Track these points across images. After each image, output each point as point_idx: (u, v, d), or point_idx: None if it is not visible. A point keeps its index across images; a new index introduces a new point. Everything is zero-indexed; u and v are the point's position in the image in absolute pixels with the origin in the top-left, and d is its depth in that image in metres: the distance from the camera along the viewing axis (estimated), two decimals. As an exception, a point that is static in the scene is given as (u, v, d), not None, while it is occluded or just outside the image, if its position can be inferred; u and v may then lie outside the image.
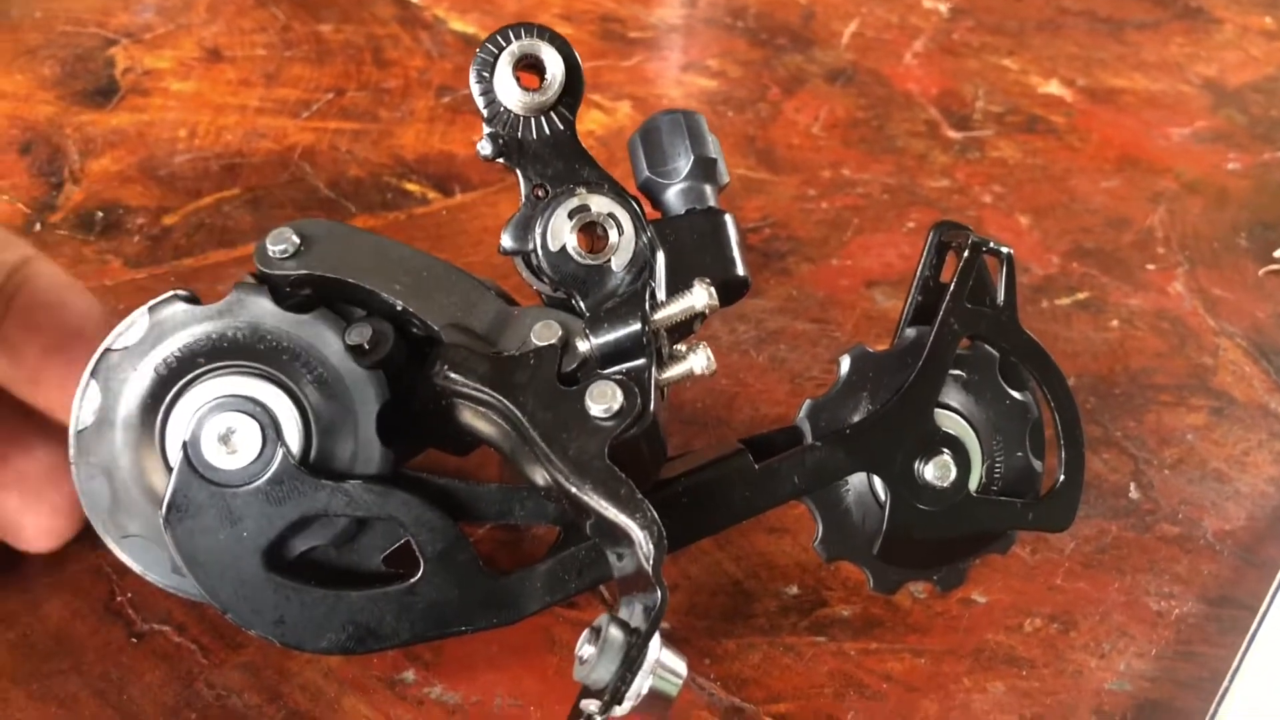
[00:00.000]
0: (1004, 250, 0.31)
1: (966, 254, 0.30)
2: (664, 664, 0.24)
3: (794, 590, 0.32)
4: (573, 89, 0.29)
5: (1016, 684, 0.30)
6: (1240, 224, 0.48)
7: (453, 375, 0.27)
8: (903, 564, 0.31)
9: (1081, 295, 0.44)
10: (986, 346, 0.31)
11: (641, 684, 0.23)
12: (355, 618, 0.27)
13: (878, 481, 0.30)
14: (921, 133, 0.52)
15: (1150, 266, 0.45)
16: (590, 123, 0.51)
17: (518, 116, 0.29)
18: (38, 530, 0.28)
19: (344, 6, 0.57)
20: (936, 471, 0.29)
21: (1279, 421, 0.39)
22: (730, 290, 0.30)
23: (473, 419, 0.28)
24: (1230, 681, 0.30)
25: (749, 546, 0.33)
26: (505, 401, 0.27)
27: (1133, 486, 0.36)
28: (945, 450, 0.29)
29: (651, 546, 0.24)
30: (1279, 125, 0.55)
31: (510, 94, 0.28)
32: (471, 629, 0.28)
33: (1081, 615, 0.32)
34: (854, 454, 0.29)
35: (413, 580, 0.27)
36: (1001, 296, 0.31)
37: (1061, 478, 0.30)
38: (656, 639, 0.23)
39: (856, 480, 0.30)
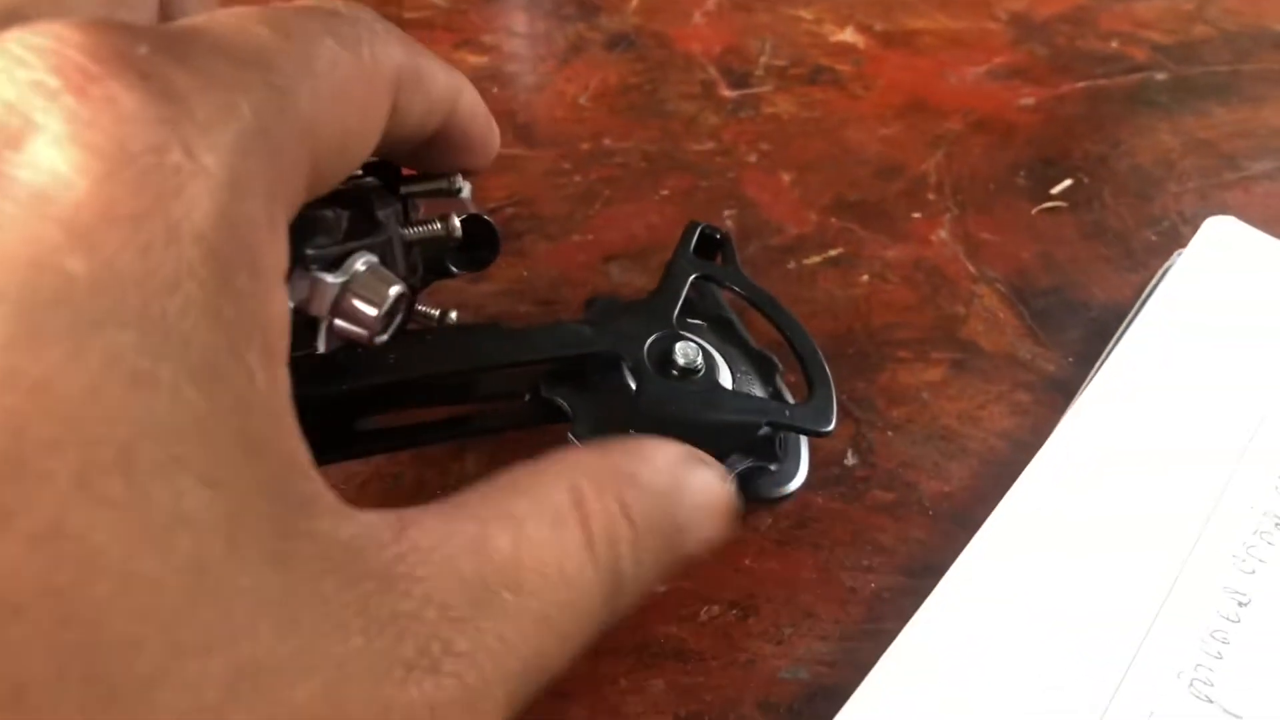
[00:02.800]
0: (720, 233, 0.35)
1: (686, 228, 0.35)
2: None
3: (456, 596, 0.30)
4: None
5: (679, 680, 0.28)
6: (1021, 162, 0.46)
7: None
8: None
9: (834, 252, 0.41)
10: (725, 312, 0.34)
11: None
12: None
13: (633, 383, 0.30)
14: (695, 94, 0.49)
15: (916, 215, 0.43)
16: (344, 112, 0.48)
17: None
18: None
19: None
20: (684, 352, 0.30)
21: (1025, 369, 0.37)
22: (477, 238, 0.30)
23: None
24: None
25: (416, 552, 0.31)
26: None
27: (849, 453, 0.34)
28: (692, 339, 0.31)
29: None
30: (1083, 56, 0.52)
31: None
32: None
33: (765, 599, 0.30)
34: (601, 334, 0.30)
35: None
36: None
37: (811, 388, 0.31)
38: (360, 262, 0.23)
39: (617, 392, 0.30)
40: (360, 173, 0.29)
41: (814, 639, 0.29)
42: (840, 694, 0.28)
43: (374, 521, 0.17)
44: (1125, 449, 0.31)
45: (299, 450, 0.17)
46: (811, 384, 0.32)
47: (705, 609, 0.30)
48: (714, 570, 0.30)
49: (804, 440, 0.32)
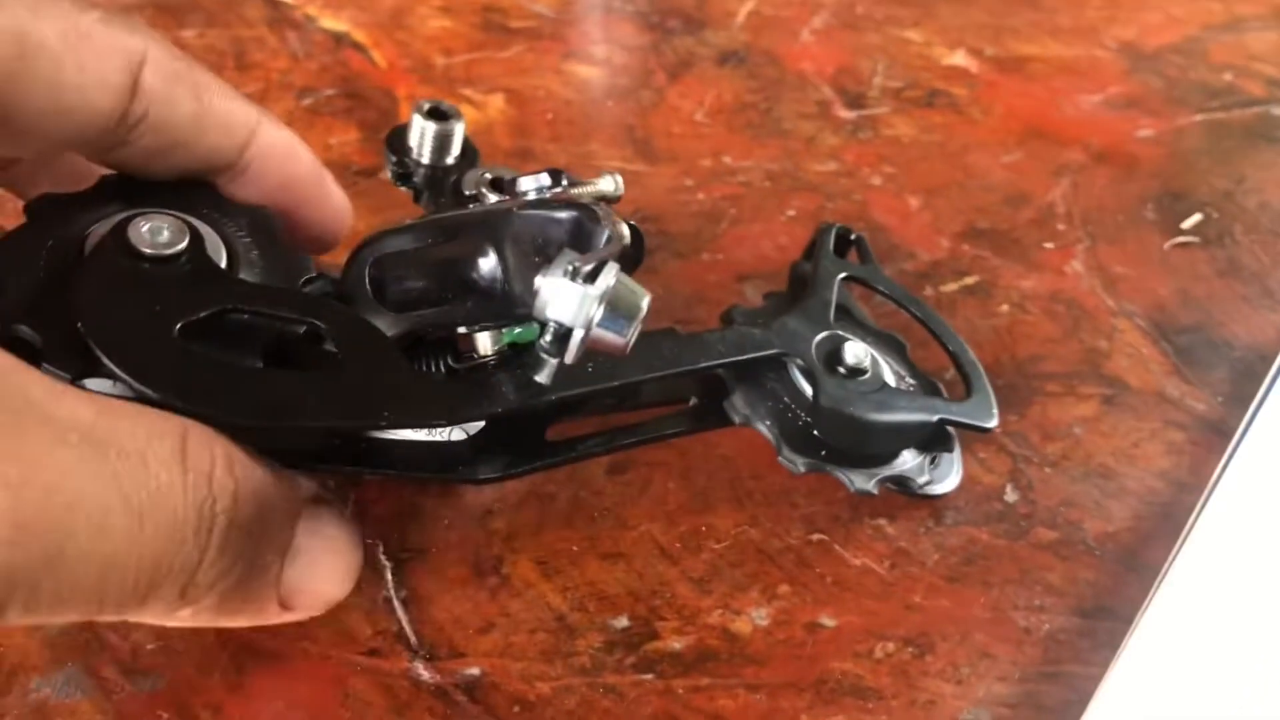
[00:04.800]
0: (855, 234, 0.36)
1: (820, 230, 0.35)
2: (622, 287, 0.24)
3: (624, 622, 0.29)
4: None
5: (859, 717, 0.27)
6: (1148, 195, 0.45)
7: None
8: (862, 455, 0.31)
9: (970, 280, 0.41)
10: (848, 311, 0.34)
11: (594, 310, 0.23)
12: (275, 390, 0.24)
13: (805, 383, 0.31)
14: (812, 114, 0.49)
15: (1048, 245, 0.42)
16: (459, 120, 0.48)
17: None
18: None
19: (210, 10, 0.54)
20: (854, 352, 0.30)
21: (1175, 408, 0.36)
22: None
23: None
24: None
25: (579, 576, 0.30)
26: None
27: (1009, 488, 0.33)
28: (859, 339, 0.31)
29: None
30: (1197, 88, 0.52)
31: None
32: (395, 420, 0.25)
33: (940, 636, 0.29)
34: (772, 337, 0.30)
35: (340, 371, 0.25)
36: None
37: (969, 385, 0.32)
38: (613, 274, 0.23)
39: (789, 393, 0.31)
40: (548, 179, 0.29)
41: (993, 680, 0.28)
42: (1026, 738, 0.27)
43: None
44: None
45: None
46: (968, 381, 0.32)
47: (880, 645, 0.29)
48: (885, 606, 0.30)
49: (956, 440, 0.32)
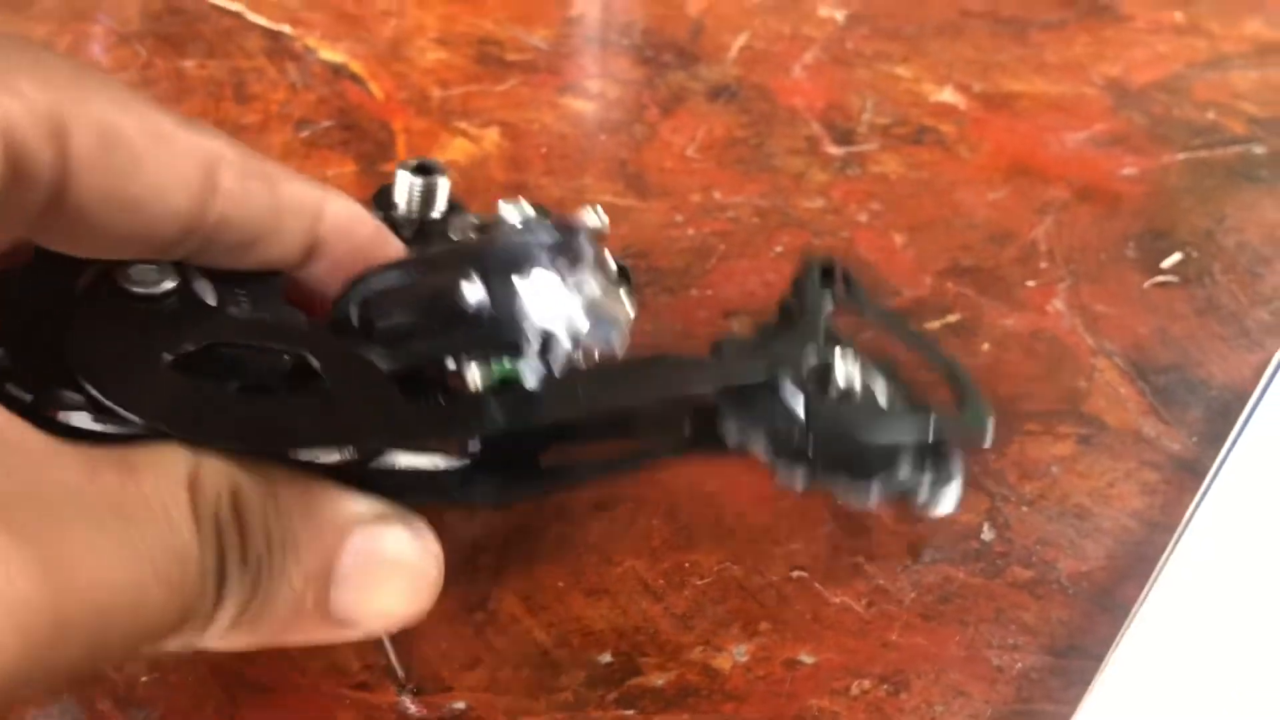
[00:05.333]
0: (840, 267, 0.35)
1: (806, 262, 0.35)
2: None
3: (607, 658, 0.30)
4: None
5: (836, 755, 0.28)
6: (1130, 233, 0.46)
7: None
8: (857, 470, 0.30)
9: (953, 318, 0.41)
10: (837, 340, 0.33)
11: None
12: (264, 414, 0.24)
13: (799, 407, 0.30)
14: (801, 150, 0.50)
15: (1030, 283, 0.43)
16: (454, 152, 0.49)
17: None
18: None
19: (210, 40, 0.55)
20: (846, 375, 0.30)
21: (1150, 448, 0.37)
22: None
23: None
24: (1059, 747, 0.27)
25: (564, 611, 0.31)
26: None
27: (986, 527, 0.34)
28: (851, 362, 0.31)
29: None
30: (1181, 126, 0.53)
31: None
32: (385, 442, 0.26)
33: (915, 674, 0.30)
34: (761, 358, 0.30)
35: (330, 400, 0.25)
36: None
37: (963, 405, 0.32)
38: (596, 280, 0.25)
39: (783, 416, 0.30)
40: (530, 207, 0.30)
41: (965, 717, 0.29)
42: (997, 776, 0.28)
43: None
44: (1274, 535, 0.31)
45: None
46: (962, 401, 0.33)
47: (856, 683, 0.30)
48: (862, 643, 0.31)
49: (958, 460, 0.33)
